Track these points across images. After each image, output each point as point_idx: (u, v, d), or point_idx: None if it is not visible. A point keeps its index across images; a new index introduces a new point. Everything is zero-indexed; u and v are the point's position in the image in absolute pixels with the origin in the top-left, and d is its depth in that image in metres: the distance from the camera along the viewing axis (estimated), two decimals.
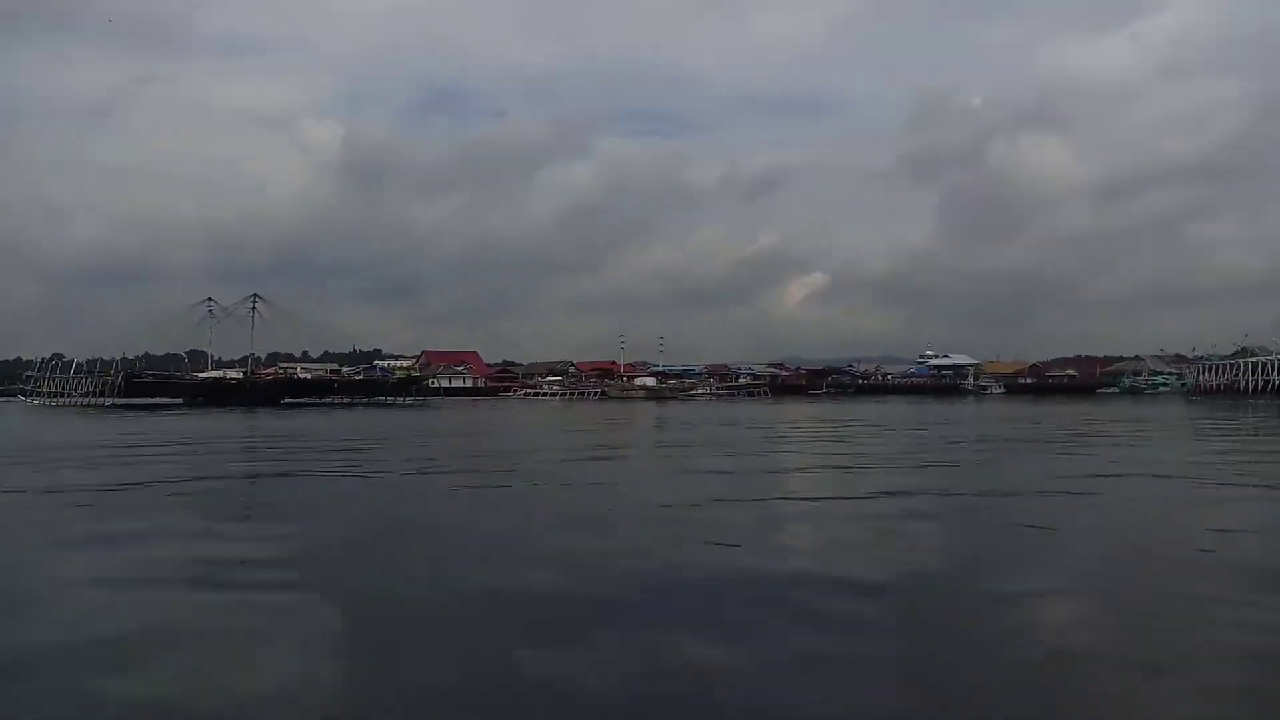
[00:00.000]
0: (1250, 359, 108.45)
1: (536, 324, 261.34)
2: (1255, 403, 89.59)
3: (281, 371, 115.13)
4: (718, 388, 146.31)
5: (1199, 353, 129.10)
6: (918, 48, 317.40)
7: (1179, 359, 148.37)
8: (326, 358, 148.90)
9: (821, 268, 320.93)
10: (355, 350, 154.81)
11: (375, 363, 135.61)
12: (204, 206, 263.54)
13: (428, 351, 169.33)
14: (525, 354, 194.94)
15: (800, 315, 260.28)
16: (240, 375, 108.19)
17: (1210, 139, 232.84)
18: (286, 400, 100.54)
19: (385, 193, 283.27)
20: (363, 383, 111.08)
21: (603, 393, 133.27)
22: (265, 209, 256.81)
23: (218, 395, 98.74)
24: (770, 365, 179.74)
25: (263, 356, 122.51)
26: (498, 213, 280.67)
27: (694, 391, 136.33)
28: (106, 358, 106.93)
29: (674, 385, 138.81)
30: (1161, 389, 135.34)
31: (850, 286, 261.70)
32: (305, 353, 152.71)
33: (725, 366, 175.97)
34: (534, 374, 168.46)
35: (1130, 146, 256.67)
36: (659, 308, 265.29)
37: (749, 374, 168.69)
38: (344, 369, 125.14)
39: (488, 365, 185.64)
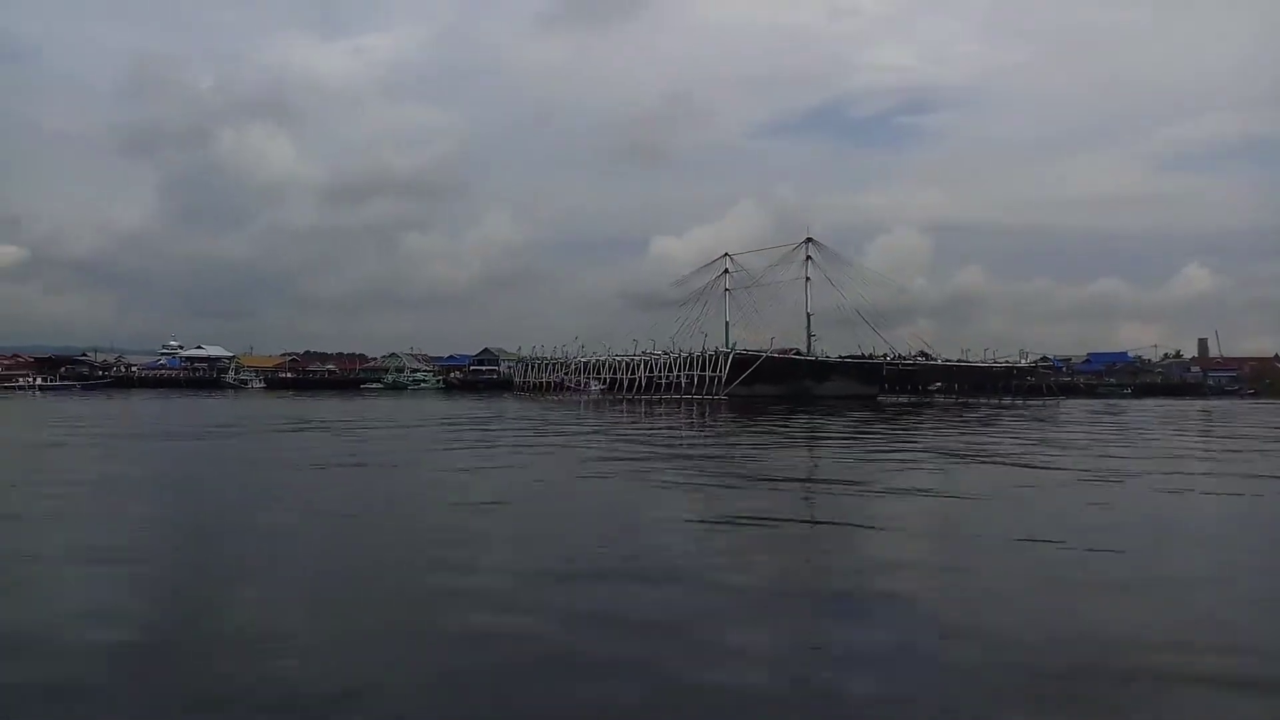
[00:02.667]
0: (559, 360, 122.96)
1: None
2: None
3: None
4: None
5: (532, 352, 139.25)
6: (125, 6, 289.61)
7: (430, 359, 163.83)
8: None
9: (14, 240, 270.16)
10: None
11: None
12: None
13: None
14: None
15: None
16: None
17: (423, 159, 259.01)
18: None
19: None
20: None
21: None
22: None
23: None
24: None
25: None
26: None
27: None
28: None
29: None
30: (423, 385, 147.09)
31: (51, 264, 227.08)
32: None
33: None
34: None
35: (355, 154, 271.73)
36: None
37: None
38: None
39: None
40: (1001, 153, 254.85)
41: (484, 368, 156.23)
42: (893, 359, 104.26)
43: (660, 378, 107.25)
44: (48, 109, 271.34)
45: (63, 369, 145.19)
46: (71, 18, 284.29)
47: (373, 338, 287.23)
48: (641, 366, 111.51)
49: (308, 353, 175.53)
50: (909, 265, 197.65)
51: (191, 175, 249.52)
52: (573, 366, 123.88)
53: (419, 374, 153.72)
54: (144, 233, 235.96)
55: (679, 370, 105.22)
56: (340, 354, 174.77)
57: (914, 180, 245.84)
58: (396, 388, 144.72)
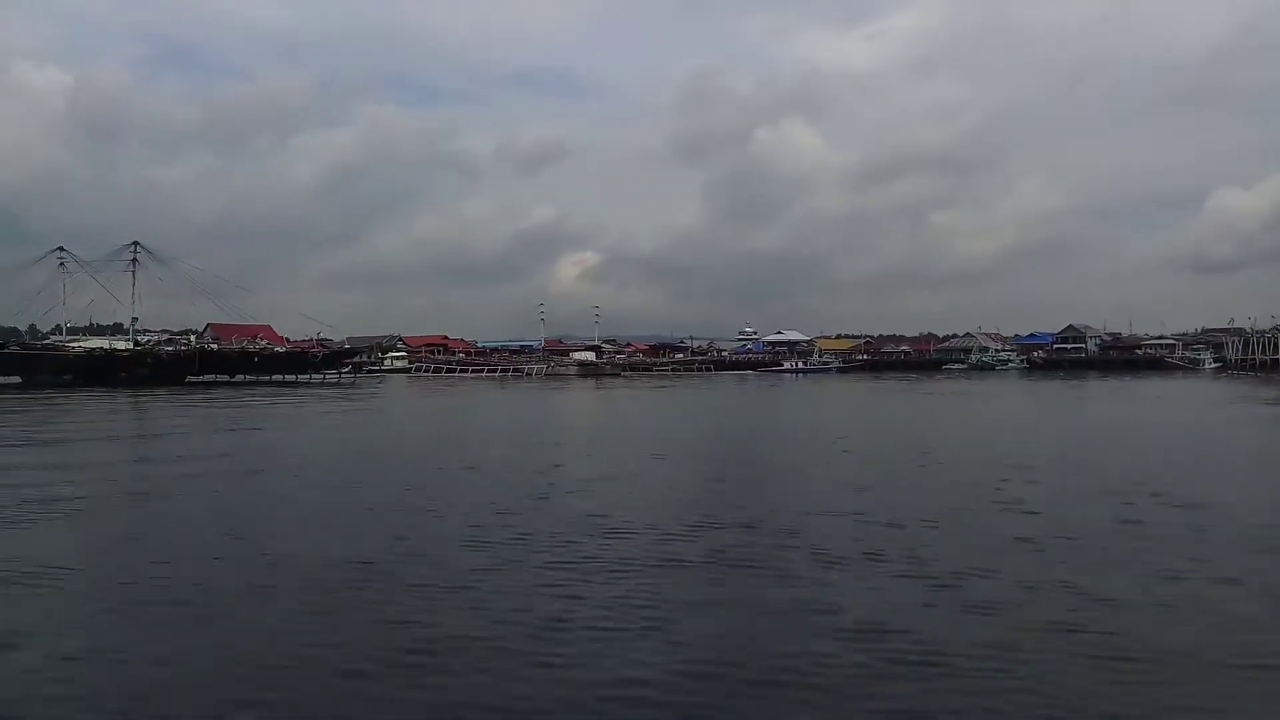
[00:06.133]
0: None
1: (287, 297, 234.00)
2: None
3: (189, 342, 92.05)
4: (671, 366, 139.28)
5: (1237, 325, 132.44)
6: (675, 34, 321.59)
7: (1003, 337, 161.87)
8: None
9: (595, 246, 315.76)
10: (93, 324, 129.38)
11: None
12: None
13: (214, 325, 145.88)
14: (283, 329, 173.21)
15: (573, 293, 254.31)
16: (131, 346, 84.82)
17: (950, 134, 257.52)
18: (191, 379, 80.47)
19: (118, 150, 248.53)
20: (288, 356, 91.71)
21: (525, 371, 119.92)
22: None
23: (93, 373, 76.25)
24: (603, 341, 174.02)
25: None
26: (249, 178, 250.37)
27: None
28: None
29: (620, 360, 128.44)
30: (1010, 365, 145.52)
31: (621, 265, 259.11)
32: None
33: (562, 341, 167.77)
34: (363, 350, 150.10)
35: (880, 137, 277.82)
36: (422, 281, 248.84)
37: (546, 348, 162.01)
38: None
39: (284, 338, 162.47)
40: None
41: (1068, 346, 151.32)
42: None
43: None
44: (621, 131, 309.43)
45: (672, 354, 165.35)
46: (637, 51, 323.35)
47: (903, 317, 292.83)
48: None
49: (915, 335, 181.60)
50: None
51: (733, 175, 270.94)
52: None
53: (1002, 353, 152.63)
54: (694, 230, 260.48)
55: None
56: (878, 335, 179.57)
57: None
58: (982, 368, 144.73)
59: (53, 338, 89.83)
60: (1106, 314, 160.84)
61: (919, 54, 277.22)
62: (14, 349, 78.59)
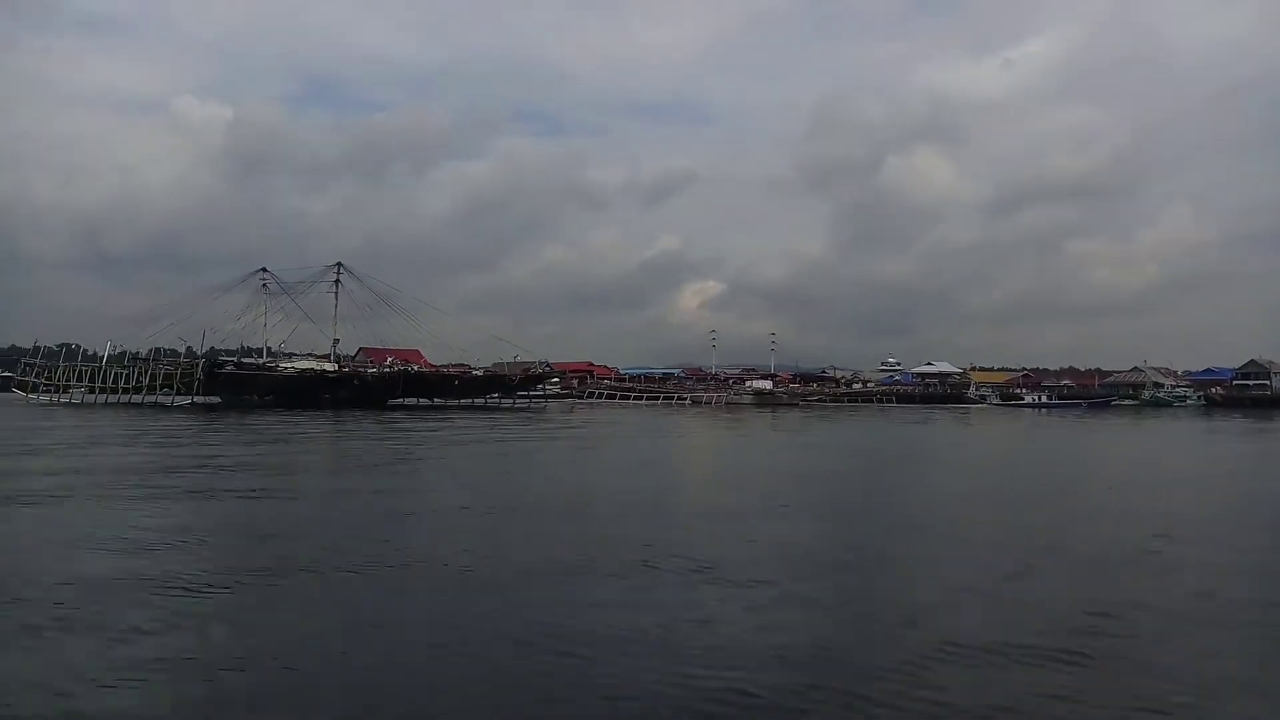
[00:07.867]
0: None
1: (422, 322, 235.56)
2: None
3: (392, 364, 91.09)
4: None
5: None
6: (799, 63, 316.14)
7: (1171, 372, 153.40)
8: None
9: (717, 275, 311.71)
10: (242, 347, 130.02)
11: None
12: (65, 190, 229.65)
13: (365, 348, 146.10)
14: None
15: (694, 321, 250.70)
16: (336, 367, 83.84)
17: (1086, 162, 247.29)
18: (393, 402, 78.92)
19: (269, 181, 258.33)
20: (487, 379, 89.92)
21: (690, 399, 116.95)
22: (135, 194, 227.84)
23: (300, 394, 74.99)
24: (737, 369, 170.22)
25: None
26: (388, 208, 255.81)
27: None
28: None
29: (795, 390, 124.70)
30: (1188, 403, 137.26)
31: (745, 293, 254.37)
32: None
33: (702, 370, 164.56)
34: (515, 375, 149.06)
35: (1013, 166, 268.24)
36: (550, 309, 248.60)
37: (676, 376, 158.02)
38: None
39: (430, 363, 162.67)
40: None
41: (1250, 382, 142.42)
42: None
43: None
44: (745, 159, 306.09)
45: (814, 384, 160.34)
46: (763, 79, 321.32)
47: (1037, 349, 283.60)
48: None
49: (1073, 368, 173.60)
50: None
51: (860, 204, 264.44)
52: None
53: (1178, 390, 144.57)
54: (819, 260, 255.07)
55: None
56: (1101, 370, 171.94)
57: None
58: (1157, 404, 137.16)
59: (209, 355, 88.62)
60: (1257, 349, 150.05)
61: (1055, 79, 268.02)
62: (229, 368, 78.03)
